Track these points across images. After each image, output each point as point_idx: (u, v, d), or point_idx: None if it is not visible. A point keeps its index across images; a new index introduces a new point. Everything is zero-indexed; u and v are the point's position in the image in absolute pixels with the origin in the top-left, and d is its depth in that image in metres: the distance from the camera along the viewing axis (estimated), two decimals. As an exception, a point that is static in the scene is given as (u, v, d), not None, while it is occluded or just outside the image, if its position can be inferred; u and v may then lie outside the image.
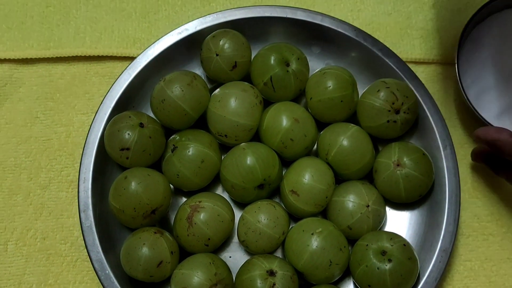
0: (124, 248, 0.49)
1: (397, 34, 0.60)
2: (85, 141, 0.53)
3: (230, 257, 0.54)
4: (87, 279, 0.53)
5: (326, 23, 0.57)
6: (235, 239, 0.54)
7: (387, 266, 0.48)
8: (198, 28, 0.57)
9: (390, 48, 0.56)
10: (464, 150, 0.57)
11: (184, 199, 0.55)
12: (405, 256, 0.48)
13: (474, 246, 0.55)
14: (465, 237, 0.55)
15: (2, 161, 0.56)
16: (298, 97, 0.56)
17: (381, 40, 0.57)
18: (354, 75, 0.55)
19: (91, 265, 0.51)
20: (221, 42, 0.54)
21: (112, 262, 0.51)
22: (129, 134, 0.50)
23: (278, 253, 0.53)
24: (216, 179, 0.54)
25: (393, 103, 0.52)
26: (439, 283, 0.53)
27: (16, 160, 0.56)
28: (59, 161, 0.56)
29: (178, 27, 0.57)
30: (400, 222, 0.54)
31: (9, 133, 0.57)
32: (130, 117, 0.51)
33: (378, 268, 0.48)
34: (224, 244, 0.54)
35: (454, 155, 0.53)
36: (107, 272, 0.50)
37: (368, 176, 0.54)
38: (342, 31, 0.57)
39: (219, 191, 0.56)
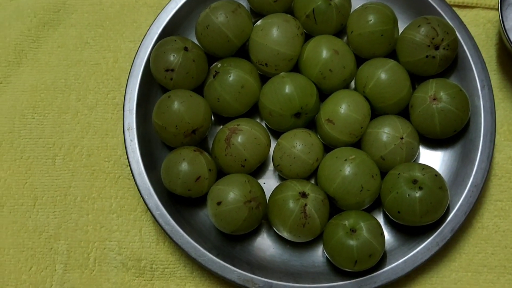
0: (165, 163, 0.52)
1: (441, -23, 0.60)
2: (132, 64, 0.56)
3: (264, 183, 0.56)
4: (128, 195, 0.56)
5: (371, -38, 0.58)
6: (271, 166, 0.56)
7: (418, 193, 0.49)
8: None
9: (434, -10, 0.57)
10: (503, 93, 0.57)
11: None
12: (436, 185, 0.49)
13: (506, 187, 0.55)
14: (497, 178, 0.55)
15: (53, 81, 0.59)
16: (338, 34, 0.57)
17: (425, -18, 0.57)
18: (397, 14, 0.56)
19: (133, 182, 0.54)
20: (266, -26, 0.55)
21: (152, 179, 0.53)
22: (174, 56, 0.53)
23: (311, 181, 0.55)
24: (254, 110, 0.56)
25: (433, 38, 0.52)
26: (468, 220, 0.54)
27: (66, 82, 0.59)
28: (106, 85, 0.59)
29: (225, -40, 0.58)
30: (433, 159, 0.55)
31: (61, 56, 0.60)
32: (175, 40, 0.54)
33: (408, 195, 0.49)
34: (259, 170, 0.56)
35: (492, 95, 0.54)
36: (147, 186, 0.53)
37: (404, 113, 0.55)
38: (386, -30, 0.58)
39: (256, 119, 0.57)
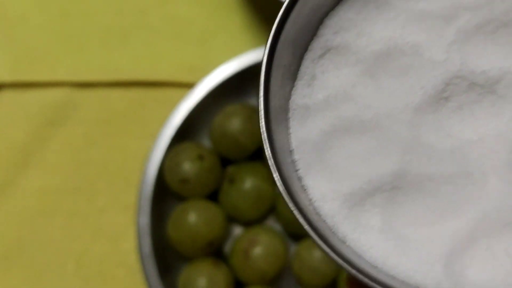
0: (182, 279, 0.51)
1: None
2: (144, 170, 0.54)
3: (282, 288, 0.55)
4: (142, 304, 0.54)
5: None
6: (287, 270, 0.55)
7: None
8: (258, 58, 0.57)
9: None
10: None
11: (239, 228, 0.56)
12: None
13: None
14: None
15: (60, 184, 0.57)
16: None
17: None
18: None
19: (147, 289, 0.53)
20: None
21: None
22: (189, 166, 0.51)
23: None
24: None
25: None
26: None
27: (74, 184, 0.57)
28: (116, 186, 0.57)
29: (237, 55, 0.57)
30: None
31: (67, 157, 0.58)
32: (190, 148, 0.52)
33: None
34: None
35: None
36: (163, 297, 0.51)
37: None
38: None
39: (271, 221, 0.56)
